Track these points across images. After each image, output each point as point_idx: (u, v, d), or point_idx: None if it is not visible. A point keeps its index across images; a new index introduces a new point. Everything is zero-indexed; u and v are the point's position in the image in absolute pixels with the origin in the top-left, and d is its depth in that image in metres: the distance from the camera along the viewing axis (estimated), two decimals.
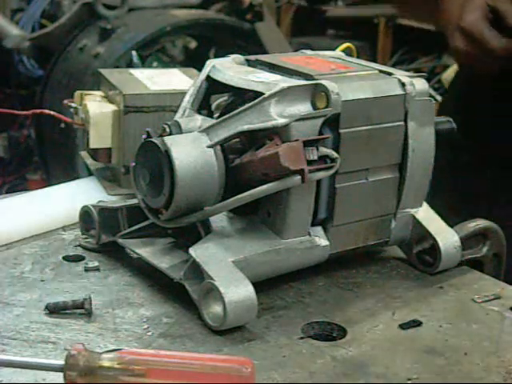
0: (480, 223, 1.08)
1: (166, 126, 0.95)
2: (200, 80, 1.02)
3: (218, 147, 0.93)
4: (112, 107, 1.22)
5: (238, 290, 0.88)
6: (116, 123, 1.21)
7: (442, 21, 1.38)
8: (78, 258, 1.04)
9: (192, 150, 0.92)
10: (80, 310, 0.91)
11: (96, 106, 1.23)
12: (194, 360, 0.76)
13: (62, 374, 0.75)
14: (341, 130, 0.95)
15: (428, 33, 2.89)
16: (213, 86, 1.01)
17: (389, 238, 1.04)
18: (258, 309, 0.89)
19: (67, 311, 0.91)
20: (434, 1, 1.38)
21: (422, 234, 1.05)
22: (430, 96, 1.02)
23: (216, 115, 1.01)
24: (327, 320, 0.92)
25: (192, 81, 1.13)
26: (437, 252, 1.03)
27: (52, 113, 1.31)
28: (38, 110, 1.35)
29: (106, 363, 0.74)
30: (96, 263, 1.01)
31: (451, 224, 1.07)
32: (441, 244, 1.03)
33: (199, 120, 0.98)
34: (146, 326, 0.89)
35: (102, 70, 1.31)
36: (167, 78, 1.29)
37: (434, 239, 1.03)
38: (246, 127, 0.92)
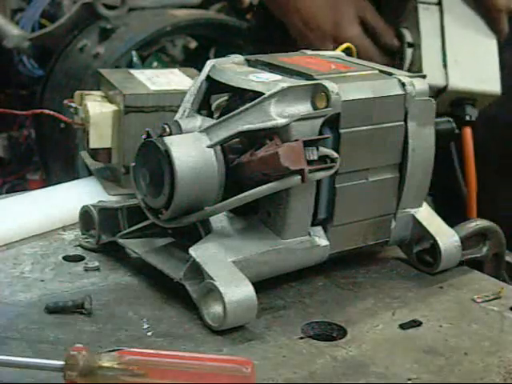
0: (480, 223, 1.08)
1: (166, 126, 0.95)
2: (200, 80, 1.02)
3: (218, 147, 0.93)
4: (112, 107, 1.22)
5: (237, 290, 0.88)
6: (116, 123, 1.21)
7: (295, 20, 1.37)
8: (78, 258, 1.04)
9: (192, 150, 0.92)
10: (80, 309, 0.91)
11: (96, 106, 1.23)
12: (193, 360, 0.76)
13: (61, 374, 0.75)
14: (341, 130, 0.95)
15: None
16: (213, 86, 1.01)
17: (389, 238, 1.04)
18: (258, 309, 0.89)
19: (67, 311, 0.91)
20: None
21: (421, 234, 1.05)
22: (430, 96, 1.02)
23: (216, 115, 1.01)
24: (327, 320, 0.92)
25: (192, 81, 1.13)
26: (437, 252, 1.03)
27: (52, 113, 1.31)
28: (38, 110, 1.35)
29: (106, 363, 0.74)
30: (96, 263, 1.01)
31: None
32: (441, 244, 1.03)
33: (199, 120, 0.98)
34: (145, 326, 0.89)
35: (102, 70, 1.31)
36: (167, 78, 1.29)
37: (434, 239, 1.03)
38: (245, 127, 0.92)
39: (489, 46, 1.40)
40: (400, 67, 1.33)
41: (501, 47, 1.42)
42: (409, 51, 1.36)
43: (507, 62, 1.44)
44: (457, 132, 1.11)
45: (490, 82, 1.38)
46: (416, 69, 1.36)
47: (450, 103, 1.39)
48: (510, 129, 1.52)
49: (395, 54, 1.40)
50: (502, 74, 1.39)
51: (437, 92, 1.35)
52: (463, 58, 1.37)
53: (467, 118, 1.37)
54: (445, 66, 1.37)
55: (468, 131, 1.37)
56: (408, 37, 1.38)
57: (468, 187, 1.39)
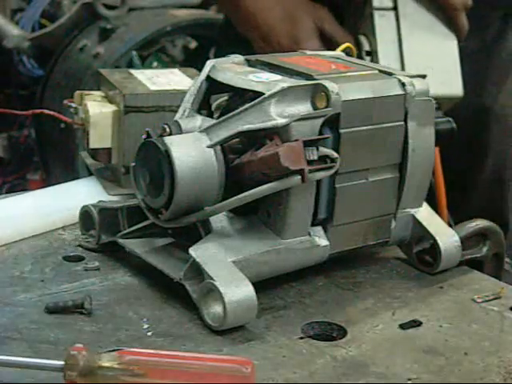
0: (480, 223, 1.08)
1: (166, 126, 0.95)
2: (200, 80, 1.02)
3: (218, 147, 0.93)
4: (112, 107, 1.22)
5: (237, 290, 0.88)
6: (116, 123, 1.21)
7: (255, 36, 1.37)
8: (78, 258, 1.04)
9: (192, 150, 0.92)
10: (80, 309, 0.91)
11: (96, 106, 1.22)
12: (194, 360, 0.76)
13: (62, 374, 0.75)
14: (341, 130, 0.95)
15: None
16: (213, 86, 1.01)
17: (389, 238, 1.04)
18: (258, 309, 0.89)
19: (67, 311, 0.91)
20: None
21: (421, 234, 1.05)
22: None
23: (216, 115, 1.01)
24: (327, 320, 0.92)
25: (192, 81, 1.13)
26: (437, 252, 1.03)
27: (52, 113, 1.31)
28: (38, 110, 1.35)
29: (106, 363, 0.74)
30: (96, 263, 1.01)
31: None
32: (441, 244, 1.03)
33: (199, 120, 0.98)
34: (145, 326, 0.89)
35: (102, 70, 1.31)
36: (167, 78, 1.29)
37: (434, 239, 1.03)
38: (245, 127, 0.92)
39: (449, 47, 1.38)
40: None
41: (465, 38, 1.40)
42: (367, 59, 1.35)
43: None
44: None
45: (451, 85, 1.36)
46: None
47: None
48: (472, 124, 1.51)
49: None
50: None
51: None
52: (422, 63, 1.34)
53: None
54: None
55: None
56: (365, 44, 1.36)
57: (437, 190, 1.38)
